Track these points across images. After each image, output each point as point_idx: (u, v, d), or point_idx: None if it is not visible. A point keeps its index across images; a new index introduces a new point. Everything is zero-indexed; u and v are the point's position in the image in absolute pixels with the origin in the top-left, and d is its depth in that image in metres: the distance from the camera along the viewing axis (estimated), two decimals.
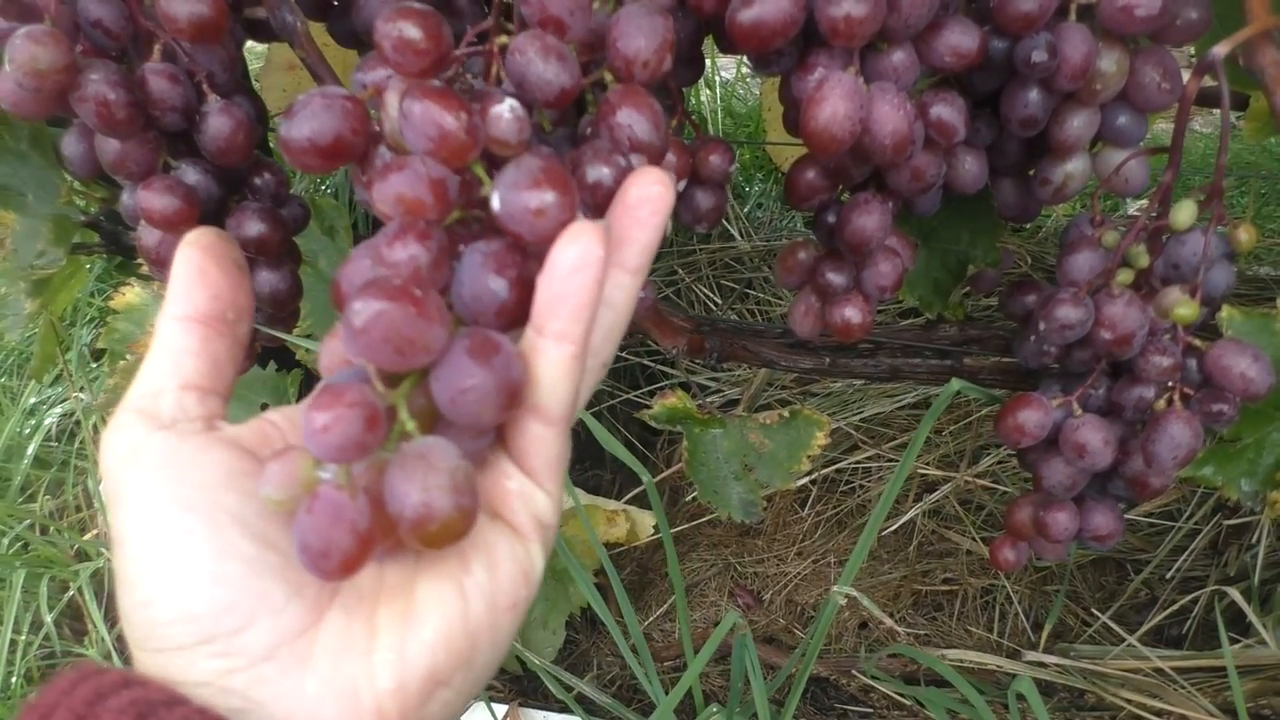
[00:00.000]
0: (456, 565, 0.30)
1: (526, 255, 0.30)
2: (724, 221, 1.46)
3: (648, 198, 0.31)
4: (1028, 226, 1.42)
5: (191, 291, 0.34)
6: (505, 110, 0.31)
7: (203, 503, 0.29)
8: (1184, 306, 0.44)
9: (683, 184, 0.50)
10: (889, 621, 0.71)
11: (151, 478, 0.30)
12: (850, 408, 1.22)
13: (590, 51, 0.39)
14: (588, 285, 0.29)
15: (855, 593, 0.57)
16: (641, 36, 0.35)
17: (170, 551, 0.28)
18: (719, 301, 1.38)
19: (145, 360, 0.33)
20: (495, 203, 0.29)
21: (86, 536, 1.16)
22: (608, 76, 0.37)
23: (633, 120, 0.34)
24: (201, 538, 0.28)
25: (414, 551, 0.30)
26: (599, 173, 0.32)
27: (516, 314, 0.29)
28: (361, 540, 0.27)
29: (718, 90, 1.79)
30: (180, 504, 0.29)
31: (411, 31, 0.31)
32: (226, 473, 0.30)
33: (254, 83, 1.07)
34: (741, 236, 1.45)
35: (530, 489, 0.31)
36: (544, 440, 0.31)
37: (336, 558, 0.26)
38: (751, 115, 1.78)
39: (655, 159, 0.35)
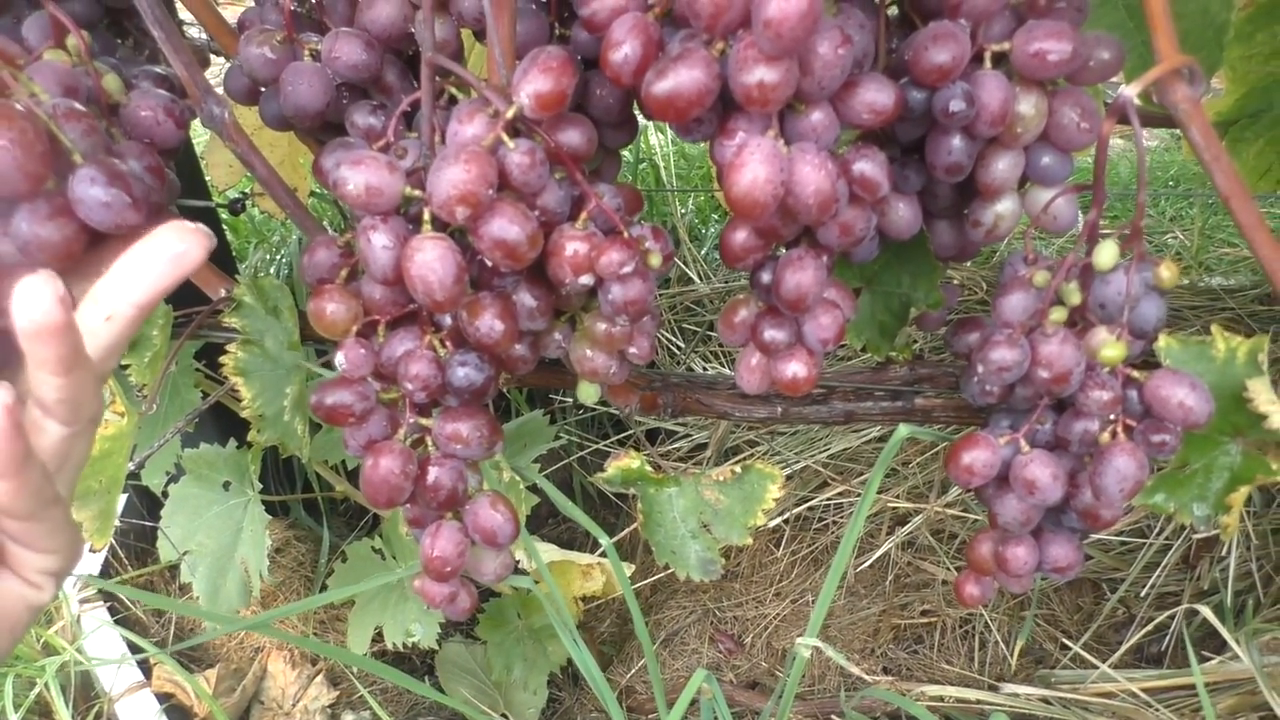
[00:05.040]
0: None
1: None
2: (683, 265, 1.47)
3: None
4: (981, 252, 1.43)
5: None
6: None
7: None
8: (1110, 347, 0.44)
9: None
10: (857, 670, 0.70)
11: None
12: (817, 445, 1.22)
13: None
14: None
15: (819, 643, 0.57)
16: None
17: None
18: (682, 345, 1.38)
19: None
20: None
21: (52, 630, 1.14)
22: None
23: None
24: None
25: None
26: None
27: None
28: None
29: (668, 133, 1.80)
30: None
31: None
32: None
33: (200, 160, 1.07)
34: (700, 279, 1.45)
35: None
36: None
37: None
38: (703, 156, 1.80)
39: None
